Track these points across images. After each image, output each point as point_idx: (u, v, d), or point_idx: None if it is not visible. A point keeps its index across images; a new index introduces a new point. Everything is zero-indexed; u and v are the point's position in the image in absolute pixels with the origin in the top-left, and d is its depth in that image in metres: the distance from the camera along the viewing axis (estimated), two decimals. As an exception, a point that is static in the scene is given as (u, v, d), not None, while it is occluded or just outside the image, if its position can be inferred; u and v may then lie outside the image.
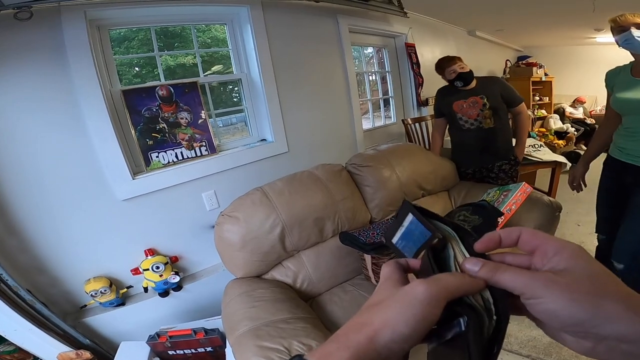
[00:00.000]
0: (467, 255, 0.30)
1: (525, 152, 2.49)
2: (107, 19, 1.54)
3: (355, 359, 0.24)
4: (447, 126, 2.23)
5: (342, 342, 0.25)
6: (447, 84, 2.13)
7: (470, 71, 2.00)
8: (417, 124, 2.89)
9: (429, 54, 3.37)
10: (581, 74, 5.80)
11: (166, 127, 1.68)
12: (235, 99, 2.10)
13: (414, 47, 3.06)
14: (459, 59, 2.02)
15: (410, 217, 0.32)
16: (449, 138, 2.31)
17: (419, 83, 3.10)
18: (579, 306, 0.22)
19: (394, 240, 0.35)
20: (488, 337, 0.25)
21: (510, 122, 2.21)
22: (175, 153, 1.71)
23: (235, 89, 2.14)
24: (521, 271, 0.26)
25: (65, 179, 1.43)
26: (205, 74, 1.97)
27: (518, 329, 1.61)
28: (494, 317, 0.26)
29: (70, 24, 1.36)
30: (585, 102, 5.52)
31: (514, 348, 1.53)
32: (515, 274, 0.25)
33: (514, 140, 2.18)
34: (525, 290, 0.24)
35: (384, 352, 0.25)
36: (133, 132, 1.59)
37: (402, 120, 2.91)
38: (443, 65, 2.03)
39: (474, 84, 2.02)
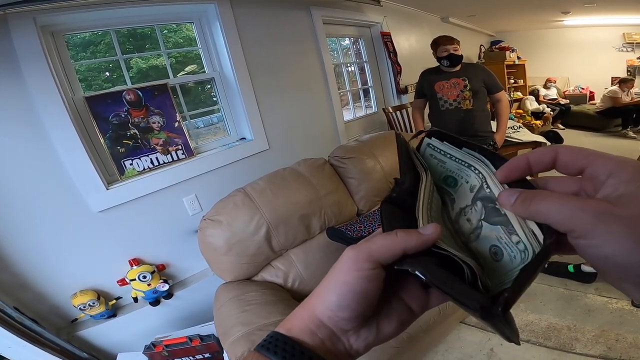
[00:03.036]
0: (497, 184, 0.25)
1: (505, 134, 2.53)
2: (61, 24, 1.45)
3: (304, 325, 0.26)
4: (427, 108, 2.28)
5: (297, 313, 0.27)
6: (431, 67, 2.20)
7: (461, 55, 2.07)
8: (398, 112, 2.90)
9: (405, 42, 3.37)
10: (552, 56, 5.98)
11: (138, 133, 1.60)
12: (214, 99, 2.04)
13: (390, 35, 3.05)
14: (458, 42, 2.07)
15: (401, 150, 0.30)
16: (429, 124, 2.33)
17: (397, 71, 3.10)
18: None
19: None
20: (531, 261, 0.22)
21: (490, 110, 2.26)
22: (151, 159, 1.63)
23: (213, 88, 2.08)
24: (566, 198, 0.19)
25: (34, 194, 1.36)
26: (179, 74, 1.89)
27: (514, 314, 1.61)
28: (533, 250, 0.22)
29: (19, 32, 1.26)
30: (556, 82, 5.69)
31: (512, 333, 1.54)
32: (558, 202, 0.19)
33: (493, 125, 2.22)
34: (571, 225, 0.18)
35: (325, 319, 0.25)
36: (102, 140, 1.51)
37: (383, 109, 2.90)
38: (440, 42, 2.07)
39: (458, 67, 2.08)
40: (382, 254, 0.24)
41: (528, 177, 0.24)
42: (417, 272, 0.22)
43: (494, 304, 0.20)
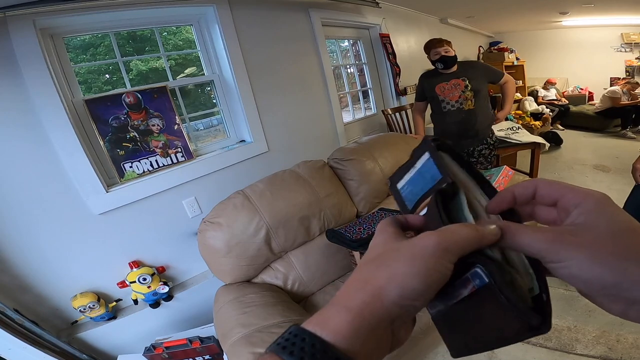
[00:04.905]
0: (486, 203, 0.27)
1: (504, 135, 2.54)
2: (61, 26, 1.45)
3: (359, 321, 0.21)
4: (429, 110, 2.28)
5: (343, 304, 0.22)
6: (429, 69, 2.20)
7: (455, 56, 2.06)
8: (397, 114, 2.90)
9: (404, 44, 3.38)
10: (551, 56, 6.00)
11: (137, 136, 1.60)
12: (214, 101, 2.04)
13: (389, 37, 3.06)
14: (448, 42, 2.07)
15: (426, 156, 0.28)
16: (431, 125, 2.33)
17: (396, 73, 3.11)
18: (603, 270, 0.20)
19: (400, 185, 0.31)
20: (527, 287, 0.23)
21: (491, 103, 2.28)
22: (150, 162, 1.64)
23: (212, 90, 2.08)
24: (536, 233, 0.22)
25: (35, 196, 1.36)
26: (179, 77, 1.90)
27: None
28: (530, 271, 0.24)
29: (19, 34, 1.26)
30: (556, 83, 5.70)
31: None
32: (529, 237, 0.22)
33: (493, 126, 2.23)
34: (543, 253, 0.22)
35: (394, 309, 0.22)
36: (102, 143, 1.51)
37: (382, 111, 2.91)
38: (431, 45, 2.08)
39: (455, 67, 2.08)
40: (465, 247, 0.23)
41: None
42: (480, 272, 0.22)
43: (544, 320, 0.22)
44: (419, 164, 0.29)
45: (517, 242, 0.23)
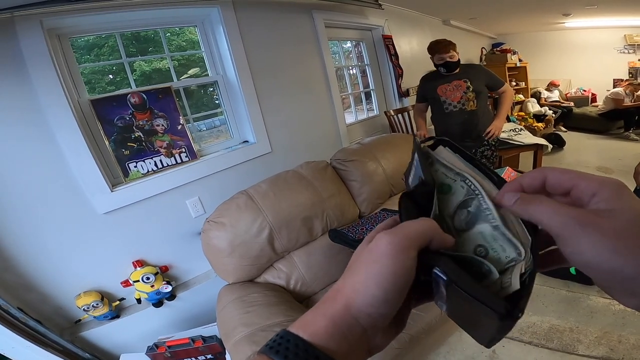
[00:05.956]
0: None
1: (506, 137, 2.55)
2: (67, 27, 1.46)
3: (332, 327, 0.22)
4: (430, 111, 2.28)
5: (319, 310, 0.23)
6: (430, 71, 2.20)
7: (458, 60, 2.07)
8: (399, 115, 2.91)
9: (406, 45, 3.39)
10: (554, 58, 5.98)
11: (142, 136, 1.61)
12: (217, 102, 2.06)
13: (392, 38, 3.07)
14: (453, 46, 2.06)
15: (415, 156, 0.29)
16: (432, 127, 2.33)
17: (398, 74, 3.11)
18: (626, 261, 0.18)
19: (410, 180, 0.31)
20: (525, 271, 0.23)
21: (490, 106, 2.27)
22: (155, 161, 1.65)
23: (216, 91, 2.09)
24: (559, 206, 0.21)
25: (40, 195, 1.38)
26: (182, 77, 1.91)
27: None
28: (531, 256, 0.24)
29: (26, 35, 1.28)
30: (559, 85, 5.69)
31: (515, 335, 1.52)
32: (551, 208, 0.21)
33: None
34: (560, 230, 0.20)
35: (362, 318, 0.22)
36: (107, 142, 1.52)
37: (385, 112, 2.91)
38: (436, 49, 2.06)
39: (457, 70, 2.09)
40: (419, 240, 0.23)
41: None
42: (439, 272, 0.22)
43: (514, 308, 0.21)
44: (415, 162, 0.30)
45: (536, 211, 0.22)
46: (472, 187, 0.28)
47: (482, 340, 0.24)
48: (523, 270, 0.23)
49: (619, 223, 0.19)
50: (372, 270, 0.22)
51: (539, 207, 0.22)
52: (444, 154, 0.31)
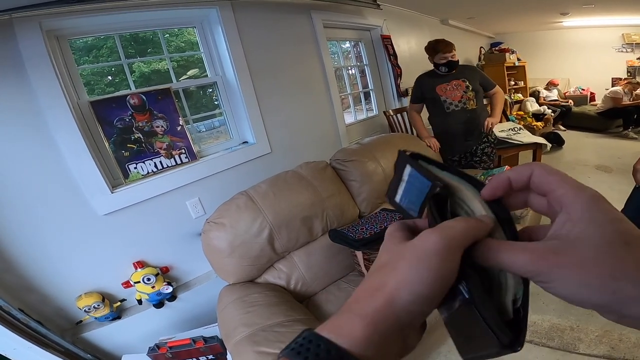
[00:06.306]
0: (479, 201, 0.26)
1: (505, 136, 2.55)
2: (66, 28, 1.46)
3: (372, 328, 0.21)
4: (426, 112, 2.28)
5: (355, 311, 0.22)
6: (426, 71, 2.20)
7: (458, 60, 2.08)
8: (399, 115, 2.91)
9: (405, 45, 3.40)
10: (552, 57, 6.00)
11: (142, 137, 1.61)
12: (216, 103, 2.06)
13: (390, 38, 3.07)
14: (454, 46, 2.08)
15: (408, 169, 0.28)
16: (429, 127, 2.33)
17: (397, 74, 3.12)
18: (593, 291, 0.19)
19: (397, 198, 0.30)
20: (517, 298, 0.23)
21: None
22: (154, 163, 1.65)
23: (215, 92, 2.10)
24: (522, 252, 0.21)
25: (40, 197, 1.37)
26: (181, 78, 1.91)
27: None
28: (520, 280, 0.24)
29: (25, 36, 1.28)
30: (558, 84, 5.70)
31: (515, 333, 1.53)
32: (514, 256, 0.21)
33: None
34: (529, 274, 0.21)
35: (404, 316, 0.21)
36: (107, 144, 1.52)
37: (384, 112, 2.91)
38: (438, 48, 2.06)
39: (454, 70, 2.10)
40: (465, 241, 0.22)
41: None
42: (463, 289, 0.22)
43: (516, 340, 0.22)
44: (405, 177, 0.29)
45: (498, 260, 0.22)
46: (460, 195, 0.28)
47: (466, 354, 0.25)
48: (513, 297, 0.23)
49: (584, 253, 0.19)
50: (419, 266, 0.22)
51: (504, 255, 0.22)
52: (425, 166, 0.30)
